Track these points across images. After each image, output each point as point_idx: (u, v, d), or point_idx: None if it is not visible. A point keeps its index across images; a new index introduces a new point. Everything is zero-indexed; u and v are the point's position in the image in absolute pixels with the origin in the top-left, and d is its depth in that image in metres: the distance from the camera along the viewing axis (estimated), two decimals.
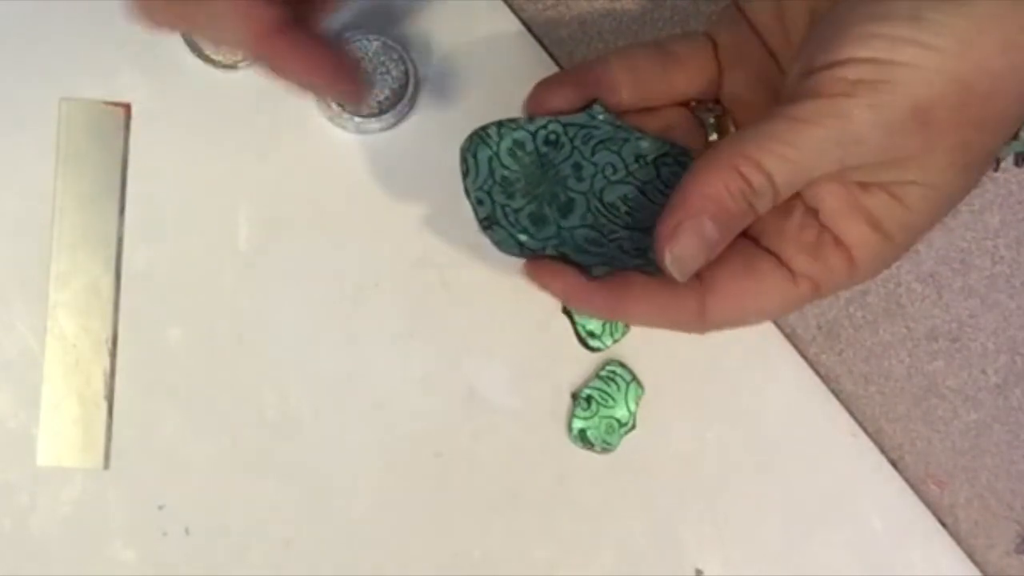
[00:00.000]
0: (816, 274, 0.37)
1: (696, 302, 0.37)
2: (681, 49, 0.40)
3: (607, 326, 0.45)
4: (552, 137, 0.39)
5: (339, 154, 0.45)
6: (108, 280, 0.44)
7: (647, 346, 0.46)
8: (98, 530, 0.43)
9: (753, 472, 0.46)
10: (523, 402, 0.45)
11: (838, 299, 0.47)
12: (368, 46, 0.45)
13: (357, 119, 0.44)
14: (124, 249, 0.44)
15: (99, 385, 0.43)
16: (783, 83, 0.37)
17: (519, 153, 0.39)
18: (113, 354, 0.44)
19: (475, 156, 0.39)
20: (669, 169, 0.40)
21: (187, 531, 0.44)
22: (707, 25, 0.41)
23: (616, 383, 0.45)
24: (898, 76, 0.33)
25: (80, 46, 0.44)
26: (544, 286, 0.38)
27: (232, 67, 0.45)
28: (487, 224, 0.38)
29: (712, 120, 0.41)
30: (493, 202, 0.39)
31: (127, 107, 0.44)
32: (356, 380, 0.45)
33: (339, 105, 0.44)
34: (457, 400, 0.45)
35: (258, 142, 0.45)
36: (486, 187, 0.39)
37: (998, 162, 0.46)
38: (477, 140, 0.39)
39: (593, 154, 0.39)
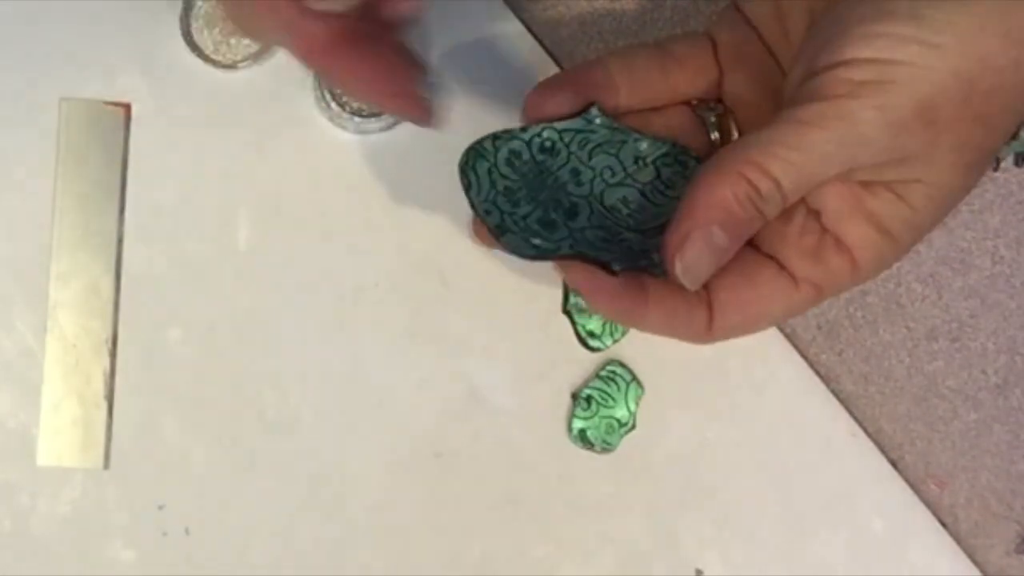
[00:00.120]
0: (818, 277, 0.37)
1: (705, 312, 0.37)
2: (681, 50, 0.40)
3: (607, 326, 0.45)
4: (548, 144, 0.39)
5: (339, 154, 0.45)
6: (108, 280, 0.44)
7: (647, 346, 0.46)
8: (98, 530, 0.43)
9: (753, 472, 0.46)
10: (523, 402, 0.45)
11: (838, 299, 0.47)
12: None
13: (357, 119, 0.44)
14: (124, 249, 0.44)
15: (99, 385, 0.43)
16: (784, 83, 0.37)
17: (516, 163, 0.39)
18: (113, 354, 0.44)
19: (475, 170, 0.38)
20: (670, 169, 0.40)
21: (187, 531, 0.44)
22: (707, 25, 0.41)
23: (616, 383, 0.45)
24: (901, 75, 0.33)
25: (80, 46, 0.44)
26: (573, 282, 0.38)
27: (232, 67, 0.45)
28: (499, 232, 0.38)
29: (713, 119, 0.40)
30: (500, 211, 0.38)
31: (127, 107, 0.44)
32: (356, 380, 0.45)
33: (339, 105, 0.44)
34: (457, 400, 0.45)
35: (258, 142, 0.45)
36: (490, 198, 0.38)
37: (998, 162, 0.46)
38: (474, 154, 0.39)
39: (590, 158, 0.39)
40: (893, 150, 0.34)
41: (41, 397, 0.43)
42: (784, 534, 0.46)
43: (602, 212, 0.39)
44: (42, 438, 0.43)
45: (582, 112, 0.39)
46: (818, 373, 0.47)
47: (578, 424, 0.45)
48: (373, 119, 0.45)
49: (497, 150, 0.39)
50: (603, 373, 0.45)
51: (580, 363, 0.46)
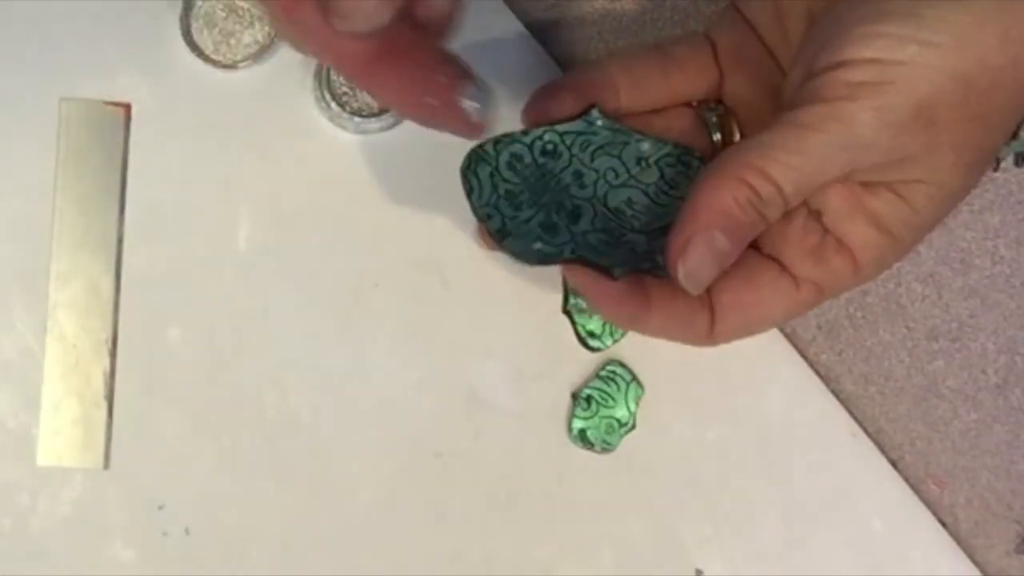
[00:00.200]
0: (819, 278, 0.37)
1: (707, 315, 0.37)
2: (681, 51, 0.40)
3: (607, 326, 0.45)
4: (549, 147, 0.39)
5: (339, 154, 0.45)
6: (108, 280, 0.44)
7: (647, 346, 0.46)
8: (98, 530, 0.43)
9: (753, 472, 0.46)
10: (523, 402, 0.45)
11: (838, 299, 0.47)
12: None
13: (357, 119, 0.44)
14: (124, 249, 0.44)
15: (99, 385, 0.43)
16: (784, 84, 0.37)
17: (518, 166, 0.39)
18: (113, 354, 0.44)
19: (476, 174, 0.38)
20: (673, 169, 0.40)
21: (187, 531, 0.44)
22: (707, 26, 0.41)
23: (616, 383, 0.45)
24: (899, 75, 0.33)
25: (80, 46, 0.44)
26: (578, 286, 0.38)
27: (232, 67, 0.45)
28: (501, 236, 0.38)
29: (715, 120, 0.40)
30: (502, 215, 0.38)
31: (127, 107, 0.44)
32: (356, 380, 0.45)
33: (339, 105, 0.44)
34: (457, 400, 0.45)
35: (258, 142, 0.45)
36: (492, 201, 0.38)
37: (998, 162, 0.46)
38: (476, 158, 0.38)
39: (593, 160, 0.39)
40: (893, 151, 0.34)
41: (41, 397, 0.43)
42: (784, 534, 0.46)
43: (606, 214, 0.39)
44: (42, 438, 0.43)
45: (583, 114, 0.39)
46: (818, 373, 0.47)
47: (578, 424, 0.45)
48: (373, 119, 0.45)
49: (498, 153, 0.39)
50: (603, 373, 0.45)
51: (580, 363, 0.46)
